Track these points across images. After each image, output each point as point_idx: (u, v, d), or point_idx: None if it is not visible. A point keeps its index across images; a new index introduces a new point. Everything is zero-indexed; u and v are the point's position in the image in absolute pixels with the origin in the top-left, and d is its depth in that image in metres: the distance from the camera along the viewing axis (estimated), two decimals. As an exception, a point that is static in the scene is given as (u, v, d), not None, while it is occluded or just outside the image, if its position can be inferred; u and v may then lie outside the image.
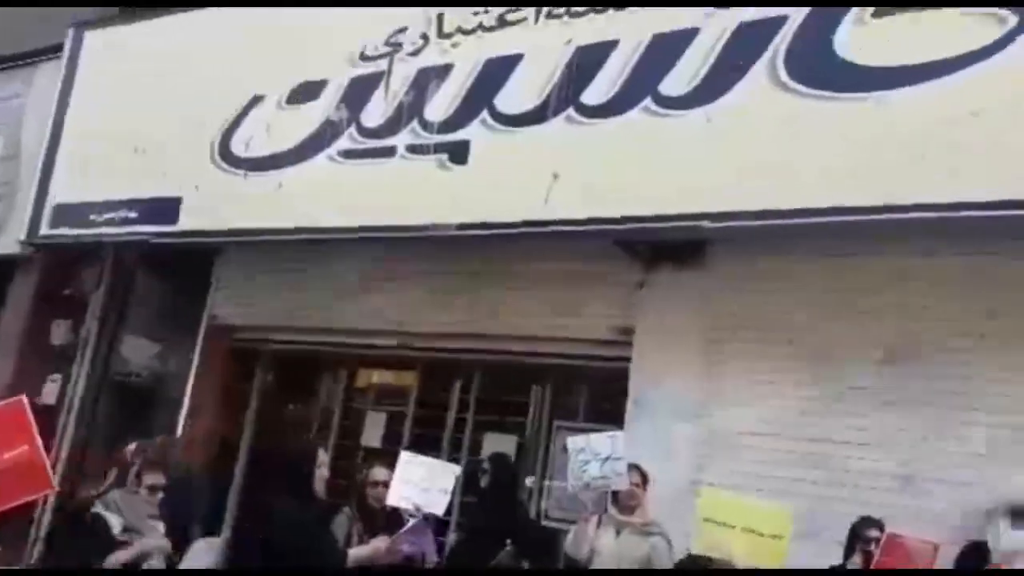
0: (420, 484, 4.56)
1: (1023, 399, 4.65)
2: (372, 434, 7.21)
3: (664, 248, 5.58)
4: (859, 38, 4.52)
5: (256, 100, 6.56)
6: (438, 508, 4.53)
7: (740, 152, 4.67)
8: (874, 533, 4.12)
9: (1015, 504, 4.32)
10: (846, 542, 4.34)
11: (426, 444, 6.88)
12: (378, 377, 7.53)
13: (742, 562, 3.99)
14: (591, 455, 4.59)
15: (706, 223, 4.73)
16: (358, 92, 6.08)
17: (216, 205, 6.57)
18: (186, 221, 6.68)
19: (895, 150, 4.35)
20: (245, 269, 7.36)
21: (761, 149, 4.63)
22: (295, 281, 6.99)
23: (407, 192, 5.68)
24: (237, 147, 6.53)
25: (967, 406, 4.78)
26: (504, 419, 6.75)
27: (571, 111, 5.23)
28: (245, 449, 7.50)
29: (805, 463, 5.04)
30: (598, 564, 4.43)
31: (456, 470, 4.73)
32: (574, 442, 4.69)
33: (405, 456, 4.69)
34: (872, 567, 4.01)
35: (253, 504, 7.09)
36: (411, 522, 4.41)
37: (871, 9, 4.52)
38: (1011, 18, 4.23)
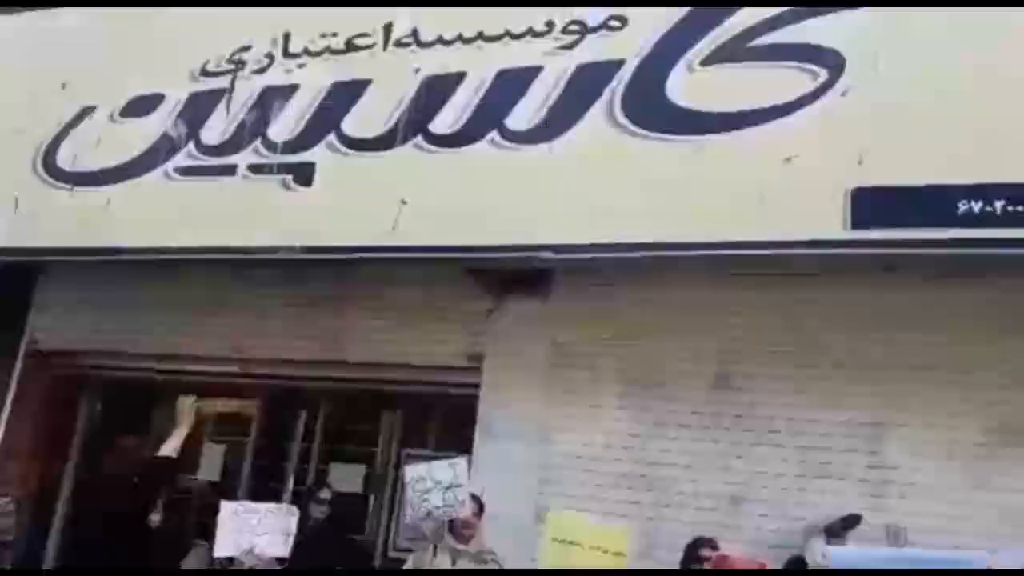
0: (255, 529, 4.39)
1: (834, 424, 5.07)
2: (210, 467, 6.88)
3: (512, 277, 5.68)
4: (688, 84, 4.81)
5: (87, 111, 6.15)
6: (279, 550, 4.36)
7: (578, 187, 4.83)
8: (706, 552, 4.33)
9: (827, 522, 4.68)
10: (682, 560, 4.52)
11: (269, 475, 6.67)
12: (217, 406, 7.21)
13: None
14: (432, 483, 4.58)
15: (547, 254, 4.87)
16: (198, 108, 5.82)
17: (37, 221, 6.07)
18: (2, 237, 6.13)
19: (712, 191, 4.64)
20: (70, 290, 6.81)
21: (597, 185, 4.80)
22: (125, 304, 6.54)
23: (249, 213, 5.46)
24: (63, 160, 6.08)
25: (787, 430, 5.15)
26: (353, 448, 6.64)
27: (419, 139, 5.23)
28: (68, 485, 6.95)
29: (640, 485, 5.24)
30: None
31: (294, 512, 4.57)
32: (414, 471, 4.65)
33: (229, 506, 4.53)
34: None
35: (78, 543, 6.57)
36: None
37: (701, 56, 4.84)
38: (822, 73, 4.64)
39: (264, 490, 6.50)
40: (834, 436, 5.04)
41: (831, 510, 4.72)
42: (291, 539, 4.40)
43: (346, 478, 6.11)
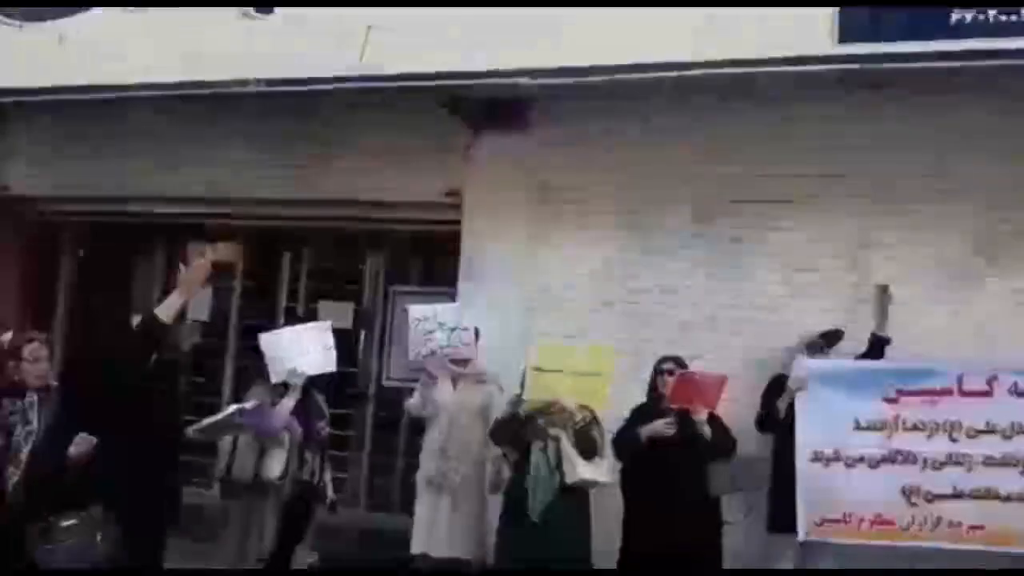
0: (298, 351, 4.47)
1: (819, 244, 5.10)
2: (199, 308, 6.93)
3: (488, 110, 5.47)
4: None
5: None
6: (328, 366, 4.46)
7: (555, 10, 4.56)
8: (668, 366, 4.40)
9: (809, 339, 4.80)
10: (650, 379, 4.57)
11: (258, 316, 6.74)
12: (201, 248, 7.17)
13: (569, 400, 4.21)
14: (435, 325, 4.65)
15: (524, 80, 4.66)
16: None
17: (-13, 61, 5.74)
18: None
19: (692, 8, 4.40)
20: (39, 133, 6.58)
21: (575, 9, 4.55)
22: (97, 145, 6.33)
23: (206, 45, 5.16)
24: (8, -7, 5.66)
25: (772, 252, 5.18)
26: (339, 287, 6.68)
27: (385, -39, 4.86)
28: (59, 338, 7.04)
29: (626, 314, 5.35)
30: (442, 416, 4.57)
31: (327, 327, 4.60)
32: (419, 311, 4.71)
33: (266, 337, 4.57)
34: (666, 394, 4.29)
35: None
36: (247, 403, 4.36)
37: None
38: None
39: (254, 331, 6.60)
40: (819, 256, 5.09)
41: (815, 329, 4.84)
42: (333, 352, 4.49)
43: (335, 315, 6.16)
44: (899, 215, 4.97)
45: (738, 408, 4.73)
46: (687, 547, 4.12)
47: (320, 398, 4.64)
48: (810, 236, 5.12)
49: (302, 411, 4.44)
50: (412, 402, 4.72)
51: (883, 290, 4.60)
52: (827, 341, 4.75)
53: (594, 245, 5.49)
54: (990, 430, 4.20)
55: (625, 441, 4.32)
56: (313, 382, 4.55)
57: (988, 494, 4.16)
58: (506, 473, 4.39)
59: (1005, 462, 4.16)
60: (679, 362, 4.42)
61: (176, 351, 4.70)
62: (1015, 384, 4.19)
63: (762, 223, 5.19)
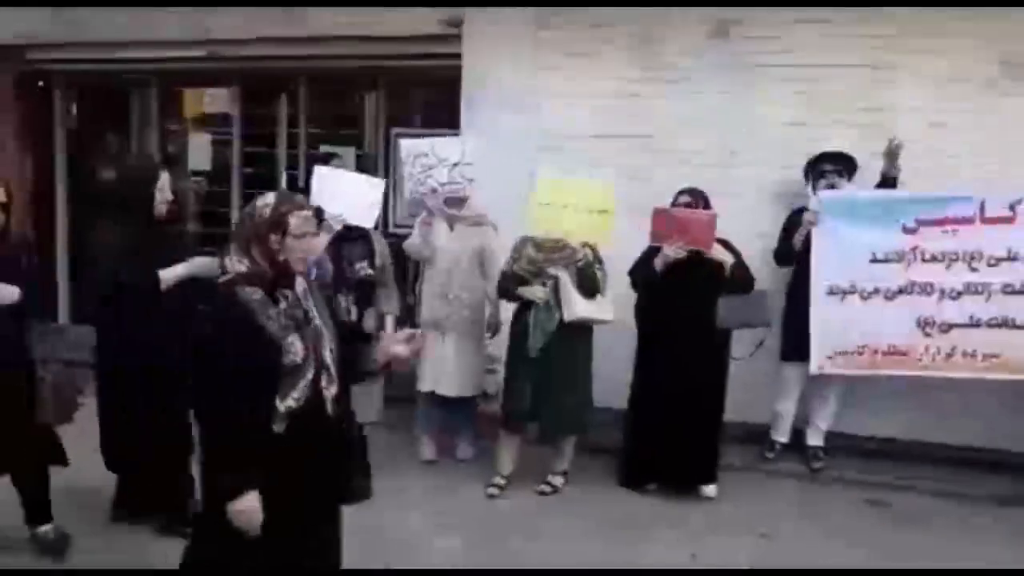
0: (345, 197, 4.28)
1: (835, 68, 4.76)
2: (199, 157, 6.78)
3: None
4: None
5: None
6: (368, 221, 4.34)
7: None
8: (685, 199, 4.22)
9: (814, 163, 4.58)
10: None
11: (258, 162, 6.59)
12: (196, 95, 6.91)
13: (575, 237, 4.15)
14: (437, 160, 4.48)
15: None
16: None
17: None
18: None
19: None
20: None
21: None
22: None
23: None
24: None
25: (786, 76, 4.86)
26: (338, 131, 6.46)
27: None
28: (63, 185, 6.97)
29: (634, 146, 5.11)
30: (439, 258, 4.53)
31: (379, 185, 4.42)
32: (414, 146, 4.53)
33: (322, 170, 4.38)
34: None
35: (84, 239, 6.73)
36: None
37: None
38: None
39: (256, 178, 6.48)
40: (834, 80, 4.78)
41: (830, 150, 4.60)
42: (376, 210, 4.35)
43: (336, 161, 5.97)
44: (921, 36, 4.62)
45: (755, 241, 4.66)
46: (694, 378, 4.17)
47: (376, 235, 4.48)
48: (827, 58, 4.78)
49: (335, 253, 4.28)
50: (411, 243, 4.65)
51: (893, 144, 4.32)
52: (841, 166, 4.52)
53: (603, 73, 5.17)
54: (1011, 257, 4.07)
55: (641, 273, 4.27)
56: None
57: (1005, 323, 4.10)
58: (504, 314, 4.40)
59: (1023, 290, 4.07)
60: (696, 194, 4.25)
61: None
62: (1039, 208, 4.01)
63: (775, 46, 4.83)
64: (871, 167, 4.52)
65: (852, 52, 4.74)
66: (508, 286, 4.26)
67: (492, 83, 5.35)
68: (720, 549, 3.78)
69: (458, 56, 5.43)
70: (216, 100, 6.94)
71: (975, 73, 4.60)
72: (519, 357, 4.23)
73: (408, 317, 4.92)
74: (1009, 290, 4.08)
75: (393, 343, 2.45)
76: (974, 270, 4.11)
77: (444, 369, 4.55)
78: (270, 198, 2.34)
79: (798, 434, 4.83)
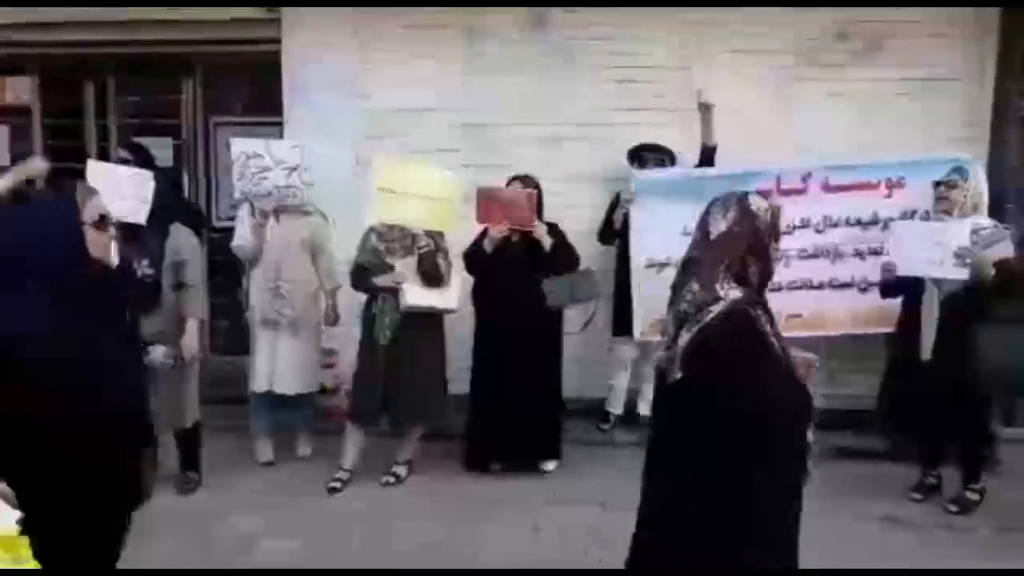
0: (115, 192, 3.93)
1: (651, 57, 4.98)
2: (-6, 152, 6.16)
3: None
4: None
5: None
6: (139, 217, 3.98)
7: None
8: (517, 186, 4.30)
9: (637, 151, 4.80)
10: None
11: (65, 157, 6.06)
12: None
13: (417, 225, 4.14)
14: (273, 163, 4.33)
15: None
16: None
17: None
18: None
19: None
20: None
21: None
22: None
23: None
24: None
25: (606, 64, 5.04)
26: (155, 122, 6.06)
27: None
28: None
29: (464, 133, 5.15)
30: (267, 251, 4.37)
31: (149, 178, 4.04)
32: (245, 145, 4.35)
33: (95, 166, 4.02)
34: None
35: None
36: None
37: None
38: None
39: (64, 173, 5.95)
40: (651, 69, 5.01)
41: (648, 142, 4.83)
42: (147, 206, 4.04)
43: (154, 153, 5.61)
44: (724, 24, 4.92)
45: (582, 224, 4.82)
46: (529, 357, 4.27)
47: (176, 231, 4.11)
48: (643, 48, 5.01)
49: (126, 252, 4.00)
50: (240, 244, 4.45)
51: (704, 106, 4.55)
52: (660, 156, 4.76)
53: (430, 60, 5.16)
54: (804, 225, 4.45)
55: (472, 255, 4.32)
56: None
57: (804, 285, 4.48)
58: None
59: (817, 253, 4.47)
60: (528, 180, 4.33)
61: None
62: (826, 180, 4.41)
63: (594, 34, 5.02)
64: (689, 151, 4.76)
65: (663, 41, 4.98)
66: (360, 278, 4.20)
67: (315, 69, 5.21)
68: (560, 521, 3.88)
69: (279, 41, 5.24)
70: (15, 90, 6.33)
71: (773, 60, 4.95)
72: (368, 348, 4.18)
73: (237, 314, 4.72)
74: (804, 255, 4.48)
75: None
76: (775, 238, 4.44)
77: (278, 367, 4.40)
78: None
79: (632, 406, 5.06)
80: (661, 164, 4.74)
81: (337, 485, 4.21)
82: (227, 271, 5.84)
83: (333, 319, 4.54)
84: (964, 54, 4.86)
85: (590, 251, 4.67)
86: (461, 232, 4.31)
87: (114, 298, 2.14)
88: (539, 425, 4.41)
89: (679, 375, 1.93)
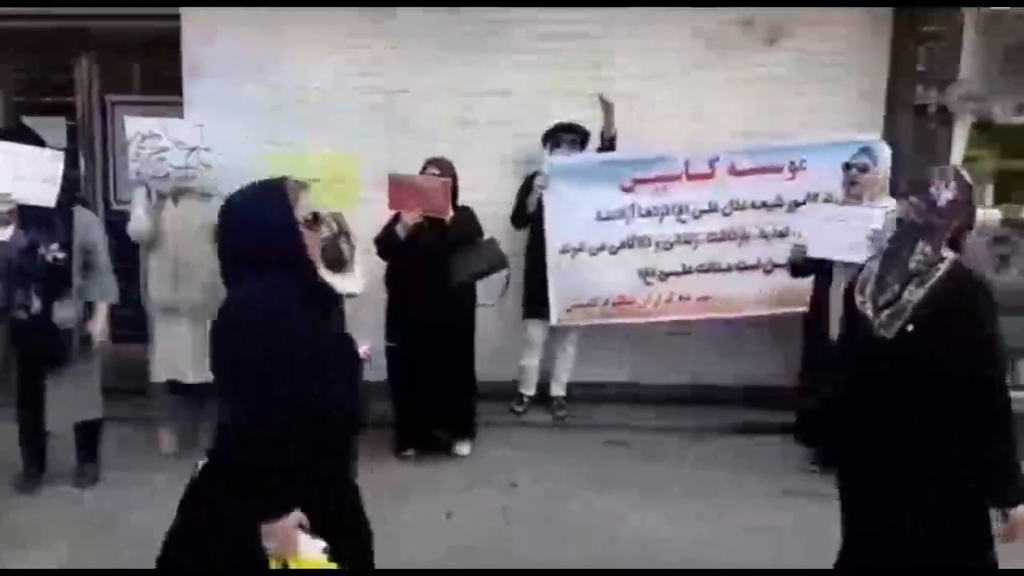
0: (17, 173, 3.72)
1: (564, 39, 4.98)
2: None
3: None
4: None
5: None
6: (44, 198, 3.75)
7: None
8: (433, 170, 4.26)
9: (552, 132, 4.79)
10: None
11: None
12: None
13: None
14: (171, 143, 4.16)
15: None
16: None
17: None
18: None
19: None
20: None
21: None
22: None
23: None
24: None
25: (521, 47, 5.02)
26: (41, 99, 5.72)
27: None
28: None
29: (377, 115, 5.05)
30: (165, 236, 4.19)
31: (59, 158, 3.88)
32: (140, 124, 4.17)
33: None
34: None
35: None
36: None
37: None
38: None
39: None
40: (561, 52, 5.02)
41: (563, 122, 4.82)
42: (55, 188, 3.79)
43: (46, 133, 5.30)
44: (632, 10, 4.96)
45: (494, 206, 4.79)
46: (443, 340, 4.25)
47: (79, 213, 3.91)
48: (556, 33, 5.01)
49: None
50: (136, 227, 4.24)
51: (604, 103, 4.62)
52: (575, 135, 4.77)
53: (340, 41, 5.02)
54: (712, 209, 4.56)
55: (384, 241, 4.25)
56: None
57: (712, 268, 4.60)
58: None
59: (724, 237, 4.58)
60: (443, 164, 4.29)
61: None
62: (732, 165, 4.52)
63: (511, 15, 4.97)
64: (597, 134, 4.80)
65: (575, 25, 4.99)
66: None
67: (217, 45, 5.00)
68: (473, 504, 3.89)
69: (178, 16, 5.01)
70: None
71: (678, 46, 5.02)
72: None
73: (134, 302, 4.51)
74: (713, 238, 4.58)
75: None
76: (682, 222, 4.56)
77: (180, 355, 4.23)
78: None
79: (544, 387, 5.10)
80: (575, 144, 4.75)
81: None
82: (124, 256, 5.60)
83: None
84: (860, 44, 5.04)
85: (503, 234, 4.65)
86: (375, 216, 4.22)
87: (331, 295, 2.13)
88: (454, 408, 4.39)
89: (910, 328, 2.13)
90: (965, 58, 4.96)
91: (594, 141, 4.80)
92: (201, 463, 1.96)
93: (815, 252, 3.94)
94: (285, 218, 1.95)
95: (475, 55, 5.03)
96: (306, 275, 1.98)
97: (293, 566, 1.80)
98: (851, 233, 3.77)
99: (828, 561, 2.49)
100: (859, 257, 3.80)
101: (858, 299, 2.27)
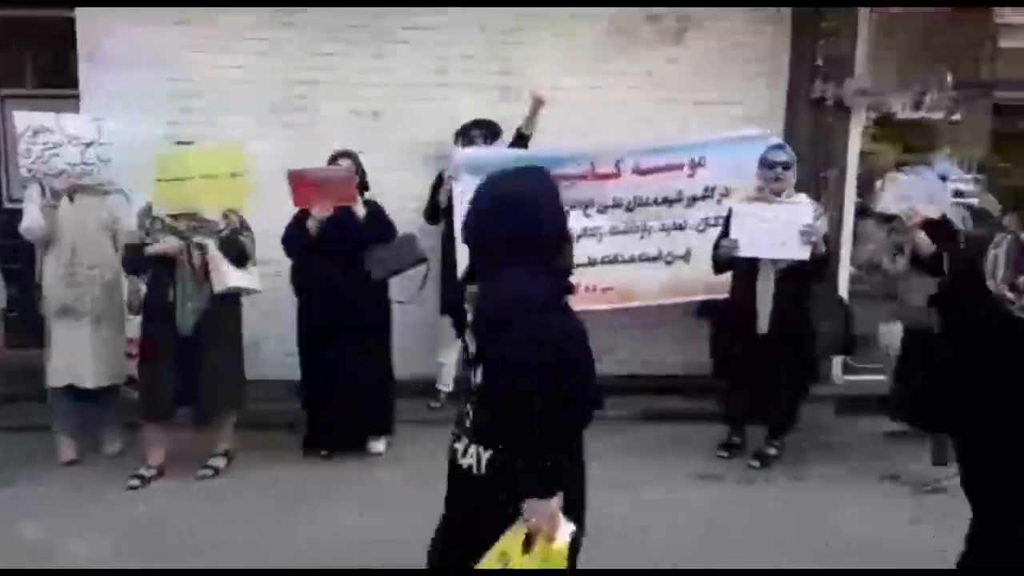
0: None
1: (470, 31, 4.98)
2: None
3: None
4: None
5: None
6: None
7: None
8: (345, 163, 4.22)
9: (466, 127, 4.79)
10: None
11: None
12: None
13: (210, 207, 3.90)
14: (64, 138, 4.01)
15: None
16: None
17: None
18: None
19: None
20: None
21: None
22: None
23: None
24: None
25: (425, 40, 4.99)
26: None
27: None
28: None
29: (284, 108, 4.96)
30: (61, 235, 4.03)
31: None
32: (33, 119, 4.01)
33: None
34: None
35: None
36: None
37: None
38: None
39: None
40: (470, 44, 5.00)
41: (468, 118, 4.84)
42: None
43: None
44: (541, 4, 4.98)
45: (409, 202, 4.80)
46: (357, 337, 4.18)
47: None
48: (460, 30, 5.00)
49: None
50: (30, 227, 4.06)
51: (536, 100, 4.68)
52: (486, 131, 4.78)
53: (246, 33, 4.90)
54: (616, 205, 4.66)
55: (291, 239, 4.16)
56: None
57: (615, 259, 4.68)
58: (144, 290, 4.05)
59: (627, 230, 4.68)
60: (352, 156, 4.23)
61: None
62: (637, 164, 4.62)
63: (420, 9, 4.94)
64: (508, 128, 4.83)
65: (485, 18, 4.98)
66: (136, 258, 3.91)
67: (114, 37, 4.81)
68: (388, 503, 3.86)
69: (73, 5, 4.81)
70: None
71: (587, 40, 5.07)
72: (162, 337, 3.91)
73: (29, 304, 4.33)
74: (616, 231, 4.68)
75: None
76: (588, 216, 4.64)
77: (79, 359, 4.09)
78: None
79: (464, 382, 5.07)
80: (485, 140, 4.75)
81: (136, 483, 3.96)
82: (18, 257, 5.36)
83: (138, 306, 4.25)
84: (763, 40, 5.19)
85: (415, 229, 4.61)
86: (273, 211, 4.13)
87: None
88: (370, 405, 4.33)
89: None
90: (861, 54, 5.14)
91: (510, 134, 4.82)
92: (464, 447, 1.99)
93: (748, 252, 4.05)
94: (559, 207, 1.98)
95: (381, 48, 4.98)
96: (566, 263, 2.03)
97: (536, 556, 1.86)
98: (782, 230, 3.92)
99: (739, 544, 2.55)
100: (792, 254, 3.95)
101: (990, 283, 2.37)
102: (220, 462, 4.17)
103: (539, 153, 4.60)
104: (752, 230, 4.02)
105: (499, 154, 4.65)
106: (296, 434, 4.43)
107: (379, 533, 3.53)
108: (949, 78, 6.43)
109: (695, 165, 4.65)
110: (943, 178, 4.44)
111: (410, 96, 5.00)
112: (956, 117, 6.49)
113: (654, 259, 4.72)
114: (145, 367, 4.00)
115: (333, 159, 4.24)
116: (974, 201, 5.57)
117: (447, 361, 5.00)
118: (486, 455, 1.94)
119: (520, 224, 1.89)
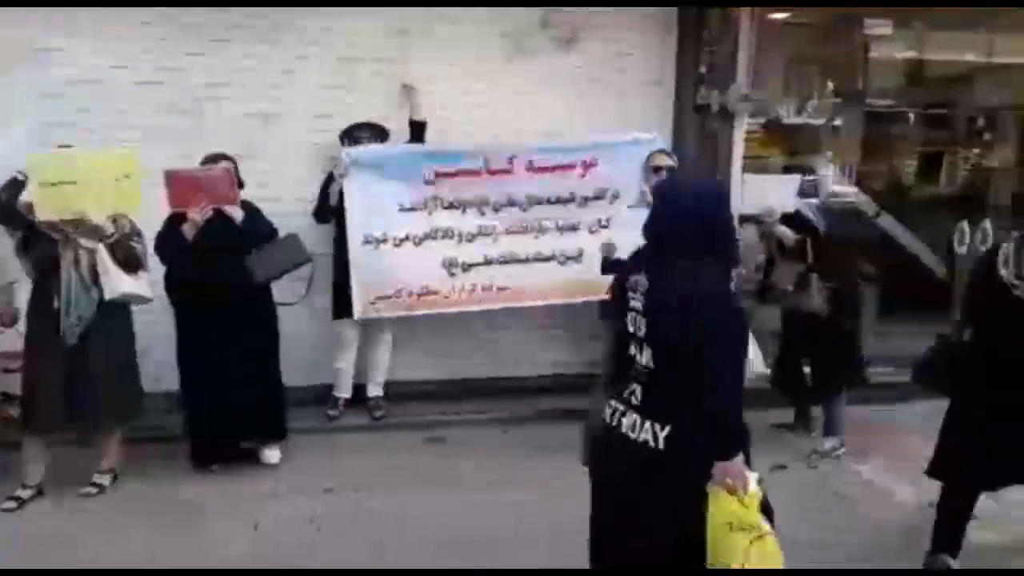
0: None
1: (367, 35, 4.95)
2: None
3: None
4: None
5: None
6: None
7: None
8: (226, 164, 4.06)
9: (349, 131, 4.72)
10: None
11: None
12: None
13: (97, 212, 3.70)
14: None
15: None
16: None
17: None
18: None
19: None
20: None
21: None
22: None
23: None
24: None
25: (322, 42, 4.91)
26: None
27: None
28: None
29: (173, 111, 4.76)
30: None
31: None
32: None
33: None
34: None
35: None
36: None
37: None
38: None
39: None
40: (366, 47, 4.97)
41: (363, 118, 4.78)
42: None
43: None
44: (437, 8, 4.98)
45: (296, 203, 4.71)
46: (243, 343, 4.05)
47: None
48: (355, 30, 4.95)
49: None
50: None
51: (406, 87, 4.75)
52: (372, 133, 4.73)
53: (130, 32, 4.69)
54: (511, 203, 4.70)
55: (166, 243, 3.99)
56: None
57: (511, 259, 4.73)
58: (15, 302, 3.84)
59: (522, 230, 4.74)
60: (228, 159, 4.09)
61: None
62: (530, 162, 4.68)
63: (312, 11, 4.85)
64: (403, 130, 4.82)
65: (379, 21, 4.95)
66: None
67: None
68: (282, 513, 3.77)
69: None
70: None
71: (483, 44, 5.10)
72: (45, 348, 3.71)
73: None
74: (511, 231, 4.72)
75: None
76: (483, 215, 4.67)
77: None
78: None
79: (361, 388, 5.02)
80: (372, 142, 4.68)
81: (12, 505, 3.75)
82: None
83: (10, 318, 4.00)
84: (651, 45, 5.34)
85: (307, 231, 4.52)
86: (158, 215, 3.98)
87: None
88: (260, 414, 4.19)
89: None
90: (742, 63, 5.37)
91: (404, 134, 4.80)
92: (635, 422, 2.24)
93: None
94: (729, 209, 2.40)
95: (271, 48, 4.86)
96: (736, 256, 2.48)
97: (741, 503, 2.15)
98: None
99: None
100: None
101: (1002, 272, 3.00)
102: (105, 479, 3.97)
103: (433, 148, 4.63)
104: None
105: (390, 150, 4.65)
106: (183, 446, 4.25)
107: (272, 548, 3.45)
108: (830, 85, 6.84)
109: (587, 165, 4.72)
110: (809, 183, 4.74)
111: (300, 98, 4.90)
112: (837, 122, 6.86)
113: (548, 259, 4.76)
114: (28, 377, 3.79)
115: (208, 161, 4.09)
116: (852, 201, 5.88)
117: (345, 366, 4.92)
118: (663, 432, 2.18)
119: (713, 222, 2.24)
